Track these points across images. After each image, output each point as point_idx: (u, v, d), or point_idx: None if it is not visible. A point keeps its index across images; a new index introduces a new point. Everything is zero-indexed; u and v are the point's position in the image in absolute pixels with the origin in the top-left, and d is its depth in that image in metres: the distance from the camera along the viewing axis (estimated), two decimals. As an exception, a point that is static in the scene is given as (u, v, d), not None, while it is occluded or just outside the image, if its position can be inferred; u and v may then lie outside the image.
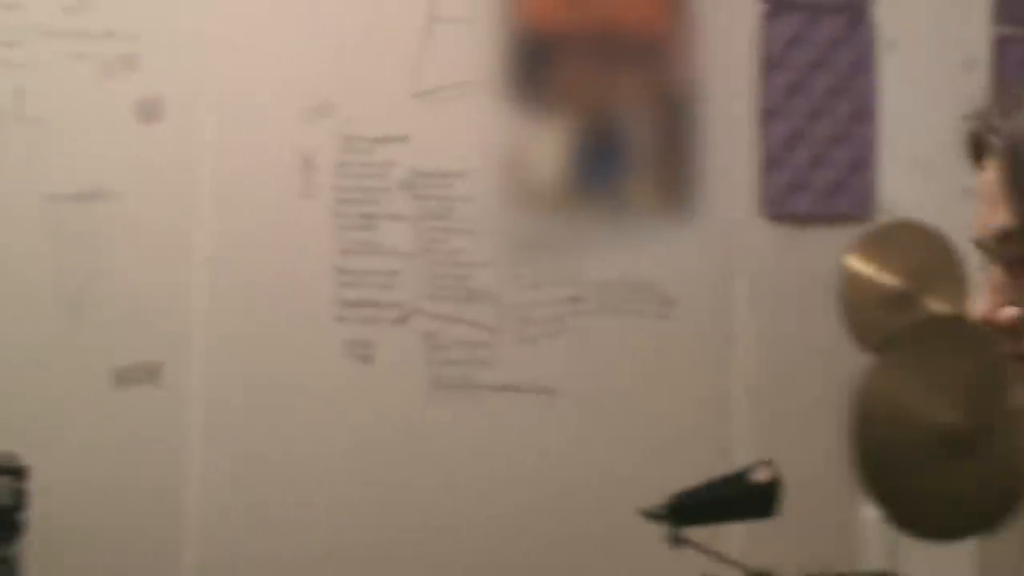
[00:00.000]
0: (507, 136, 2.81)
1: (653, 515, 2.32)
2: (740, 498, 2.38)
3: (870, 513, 3.04)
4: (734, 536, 2.86)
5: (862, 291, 3.09)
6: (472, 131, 2.79)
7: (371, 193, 2.76)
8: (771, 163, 3.00)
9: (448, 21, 2.77)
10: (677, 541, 2.31)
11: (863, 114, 3.04)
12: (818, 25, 3.01)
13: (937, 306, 3.09)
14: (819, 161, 3.02)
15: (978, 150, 1.00)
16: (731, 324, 2.99)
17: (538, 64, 2.82)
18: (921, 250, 3.13)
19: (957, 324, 3.29)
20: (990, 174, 0.97)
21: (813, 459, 2.97)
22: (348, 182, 2.76)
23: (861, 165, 3.05)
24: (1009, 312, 0.99)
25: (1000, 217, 0.97)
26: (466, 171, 2.80)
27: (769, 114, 2.99)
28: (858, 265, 3.09)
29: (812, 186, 3.03)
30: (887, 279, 3.09)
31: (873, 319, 3.08)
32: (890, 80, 3.04)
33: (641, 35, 2.89)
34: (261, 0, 2.73)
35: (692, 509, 2.34)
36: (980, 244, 1.00)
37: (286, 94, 2.71)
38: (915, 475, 3.29)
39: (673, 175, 2.94)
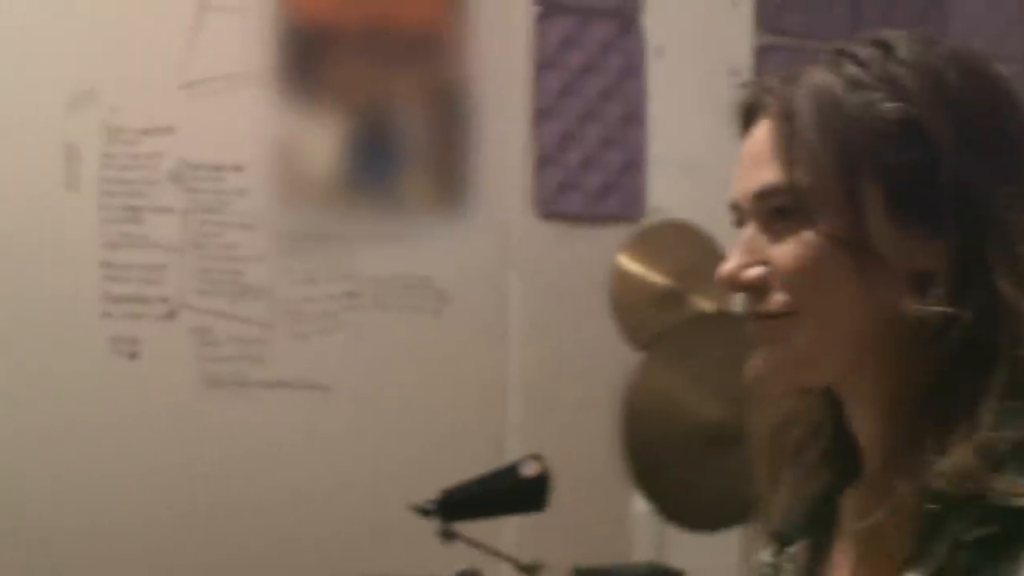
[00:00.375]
0: (279, 130, 2.78)
1: (423, 510, 2.33)
2: (509, 492, 2.41)
3: (640, 506, 3.12)
4: (509, 530, 2.90)
5: (632, 290, 3.17)
6: (243, 124, 2.75)
7: (138, 185, 2.69)
8: (544, 163, 3.06)
9: (218, 11, 2.72)
10: (448, 536, 2.32)
11: (633, 118, 3.12)
12: (590, 29, 3.08)
13: (704, 305, 3.20)
14: (590, 162, 3.09)
15: (749, 115, 1.02)
16: (505, 320, 3.02)
17: (311, 57, 2.80)
18: (688, 250, 3.23)
19: (722, 322, 3.43)
20: (759, 134, 0.99)
21: (586, 454, 3.04)
22: (114, 173, 2.68)
23: (631, 167, 3.13)
24: (755, 271, 0.98)
25: (765, 175, 0.98)
26: (238, 164, 2.76)
27: (542, 114, 3.05)
28: (628, 264, 3.18)
29: (584, 186, 3.09)
30: (656, 278, 3.18)
31: (642, 317, 3.17)
32: (658, 85, 3.13)
33: (416, 31, 2.90)
34: (22, -18, 2.64)
35: (461, 504, 2.35)
36: (735, 206, 1.01)
37: (49, 82, 2.62)
38: (682, 468, 3.40)
39: (448, 172, 2.96)
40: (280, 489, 2.79)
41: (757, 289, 0.98)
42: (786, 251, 0.97)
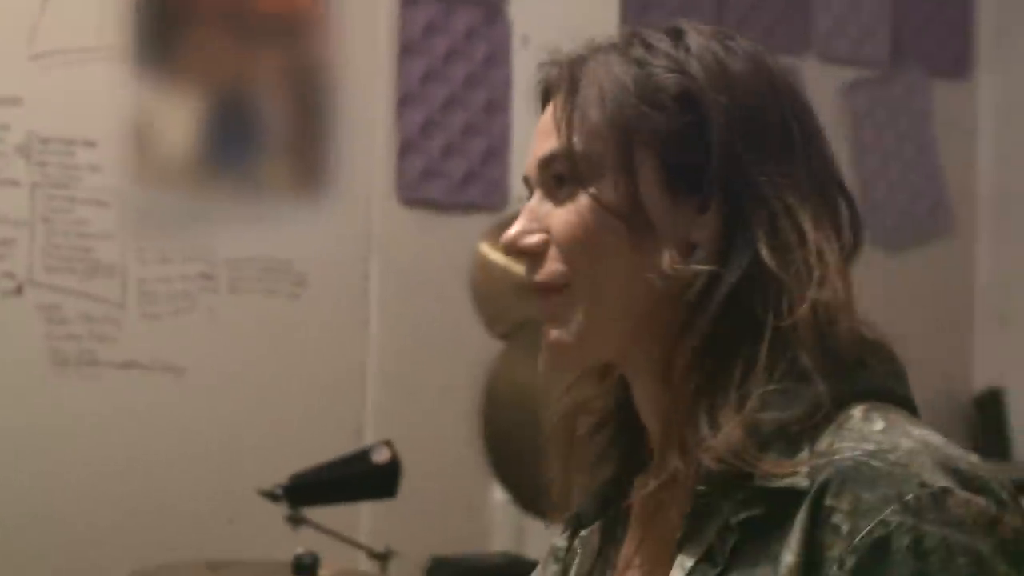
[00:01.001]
0: (135, 106, 2.73)
1: (271, 495, 2.31)
2: (360, 478, 2.40)
3: (498, 495, 3.13)
4: (365, 517, 2.88)
5: (493, 279, 3.18)
6: (97, 98, 2.70)
7: (-16, 157, 2.63)
8: (407, 149, 3.05)
9: (71, -20, 2.68)
10: (296, 521, 2.30)
11: (497, 106, 3.13)
12: (455, 15, 3.08)
13: (565, 295, 3.23)
14: (454, 149, 3.10)
15: (546, 94, 1.03)
16: (366, 306, 3.01)
17: (170, 32, 2.76)
18: (551, 241, 3.26)
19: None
20: (549, 108, 1.00)
21: (444, 442, 3.04)
22: (-42, 144, 2.62)
23: (494, 155, 3.14)
24: (534, 238, 0.99)
25: (549, 144, 0.99)
26: (90, 139, 2.70)
27: (406, 100, 3.04)
28: (490, 253, 3.19)
29: (447, 174, 3.09)
30: (517, 268, 3.20)
31: (503, 307, 3.18)
32: (523, 74, 3.14)
33: (280, 11, 2.88)
34: None
35: (310, 489, 2.34)
36: (526, 179, 1.01)
37: None
38: (540, 458, 3.40)
39: (309, 156, 2.94)
40: (130, 472, 2.75)
41: (535, 256, 0.99)
42: (561, 217, 0.98)
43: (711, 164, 0.95)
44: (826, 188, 0.98)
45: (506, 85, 3.13)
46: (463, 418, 3.05)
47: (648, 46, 0.99)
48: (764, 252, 0.94)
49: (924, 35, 3.86)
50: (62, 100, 2.68)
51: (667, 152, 0.96)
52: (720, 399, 0.93)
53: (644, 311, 0.97)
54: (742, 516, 0.91)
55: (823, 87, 3.66)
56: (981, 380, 3.92)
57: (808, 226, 0.95)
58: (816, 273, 0.94)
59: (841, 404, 0.93)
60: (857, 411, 0.93)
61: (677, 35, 0.99)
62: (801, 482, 0.90)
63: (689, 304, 0.95)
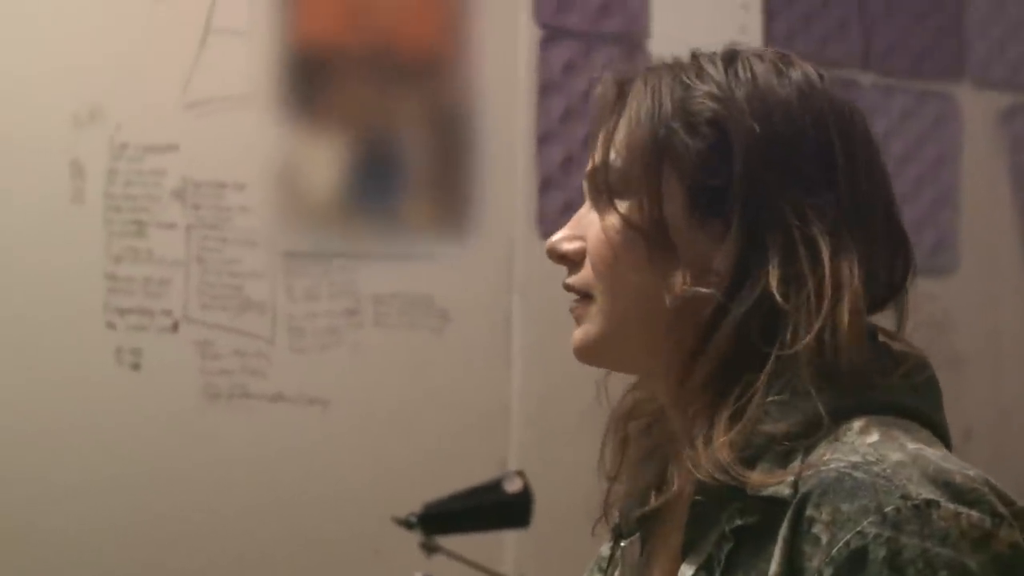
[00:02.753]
0: (281, 150, 2.84)
1: (405, 523, 2.36)
2: (492, 507, 2.43)
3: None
4: (507, 548, 2.92)
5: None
6: (246, 143, 2.81)
7: (142, 200, 2.77)
8: (547, 185, 3.09)
9: (223, 33, 2.79)
10: (430, 549, 2.35)
11: (638, 141, 3.15)
12: (594, 53, 3.12)
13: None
14: (594, 185, 3.12)
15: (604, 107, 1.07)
16: (508, 341, 3.06)
17: (314, 79, 2.87)
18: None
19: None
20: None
21: (586, 475, 3.05)
22: (119, 189, 2.75)
23: (636, 190, 3.15)
24: (571, 245, 1.04)
25: (596, 157, 1.05)
26: (240, 182, 2.82)
27: (545, 138, 3.09)
28: (633, 287, 3.21)
29: (587, 209, 3.12)
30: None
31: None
32: (664, 109, 3.15)
33: (419, 54, 2.96)
34: (32, 0, 2.72)
35: (442, 517, 2.38)
36: (585, 184, 1.07)
37: (56, 98, 2.70)
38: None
39: (450, 193, 3.01)
40: (278, 501, 2.84)
41: (572, 263, 1.04)
42: (595, 229, 1.02)
43: (734, 191, 0.97)
44: (870, 220, 0.98)
45: (647, 120, 3.15)
46: (606, 452, 3.07)
47: (699, 69, 1.01)
48: (773, 283, 0.95)
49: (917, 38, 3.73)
50: (214, 146, 2.80)
51: (694, 175, 0.98)
52: (717, 417, 0.95)
53: (660, 328, 0.99)
54: (736, 524, 0.92)
55: (979, 113, 3.58)
56: None
57: (826, 255, 0.95)
58: (826, 304, 0.94)
59: (843, 417, 0.93)
60: (857, 424, 0.93)
61: (730, 59, 1.01)
62: (784, 491, 0.91)
63: (699, 327, 0.97)
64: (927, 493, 0.87)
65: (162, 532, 2.76)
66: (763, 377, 0.93)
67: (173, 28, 2.77)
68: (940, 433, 0.96)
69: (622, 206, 1.00)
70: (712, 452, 0.93)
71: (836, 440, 0.92)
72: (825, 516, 0.88)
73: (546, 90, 3.08)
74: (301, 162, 2.86)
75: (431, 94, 2.96)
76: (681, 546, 0.96)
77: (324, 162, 2.87)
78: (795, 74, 1.00)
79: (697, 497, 0.94)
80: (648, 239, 0.98)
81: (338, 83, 2.87)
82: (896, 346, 0.97)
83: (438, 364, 2.98)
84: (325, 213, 2.89)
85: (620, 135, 1.01)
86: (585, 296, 1.04)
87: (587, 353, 1.07)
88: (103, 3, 2.75)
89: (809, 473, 0.90)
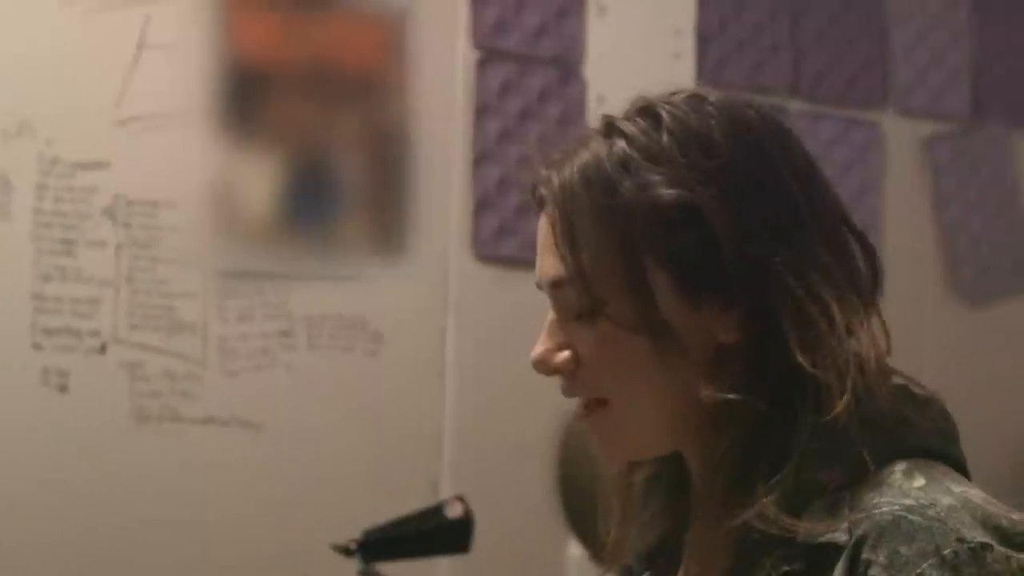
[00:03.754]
0: (216, 167, 2.80)
1: (344, 549, 2.33)
2: (433, 533, 2.40)
3: (575, 550, 3.12)
4: (440, 573, 2.90)
5: (569, 334, 3.20)
6: (179, 160, 2.77)
7: (72, 218, 2.71)
8: (482, 207, 3.09)
9: (157, 48, 2.75)
10: (369, 576, 2.32)
11: (572, 164, 3.15)
12: (530, 76, 3.12)
13: (641, 351, 3.23)
14: (527, 207, 3.11)
15: (540, 200, 1.03)
16: (441, 361, 3.04)
17: (249, 96, 2.83)
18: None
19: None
20: (543, 223, 1.01)
21: (521, 497, 3.04)
22: (48, 205, 2.69)
23: (570, 213, 3.16)
24: (562, 356, 1.00)
25: (554, 266, 0.99)
26: (173, 201, 2.77)
27: (481, 159, 3.08)
28: (566, 309, 3.21)
29: (522, 231, 3.12)
30: (593, 324, 3.22)
31: (579, 362, 3.19)
32: (598, 133, 3.16)
33: (357, 74, 2.94)
34: (-42, 14, 2.66)
35: (383, 543, 2.34)
36: (540, 287, 1.02)
37: (-16, 112, 2.64)
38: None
39: (386, 214, 2.98)
40: (209, 526, 2.79)
41: (569, 373, 1.00)
42: (586, 340, 0.98)
43: (724, 265, 0.95)
44: (837, 236, 0.98)
45: (581, 143, 3.16)
46: (539, 473, 3.06)
47: (628, 139, 0.97)
48: (797, 352, 0.94)
49: (1005, 86, 3.82)
50: (147, 163, 2.75)
51: (677, 263, 0.96)
52: (757, 479, 0.94)
53: (681, 417, 0.98)
54: (783, 570, 0.92)
55: (903, 141, 3.64)
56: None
57: (836, 309, 0.94)
58: (852, 358, 0.94)
59: (883, 462, 0.93)
60: (899, 468, 0.93)
61: (653, 118, 0.98)
62: (840, 537, 0.90)
63: (725, 412, 0.95)
64: (980, 536, 0.88)
65: (88, 556, 2.69)
66: (796, 440, 0.93)
67: (106, 43, 2.71)
68: (966, 475, 0.97)
69: (611, 311, 0.96)
70: (757, 510, 0.92)
71: (881, 484, 0.92)
72: (883, 559, 0.88)
73: (482, 112, 3.07)
74: (236, 181, 2.82)
75: (368, 114, 2.94)
76: None
77: (259, 181, 2.83)
78: (721, 112, 0.97)
79: (741, 545, 0.94)
80: (649, 337, 0.95)
81: (274, 100, 2.84)
82: (916, 389, 0.97)
83: (372, 386, 2.95)
84: (259, 233, 2.84)
85: (583, 242, 0.97)
86: (596, 401, 1.00)
87: (623, 458, 1.05)
88: (34, 16, 2.69)
89: (861, 516, 0.90)
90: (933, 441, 0.97)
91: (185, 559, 2.76)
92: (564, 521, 3.12)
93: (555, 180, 0.99)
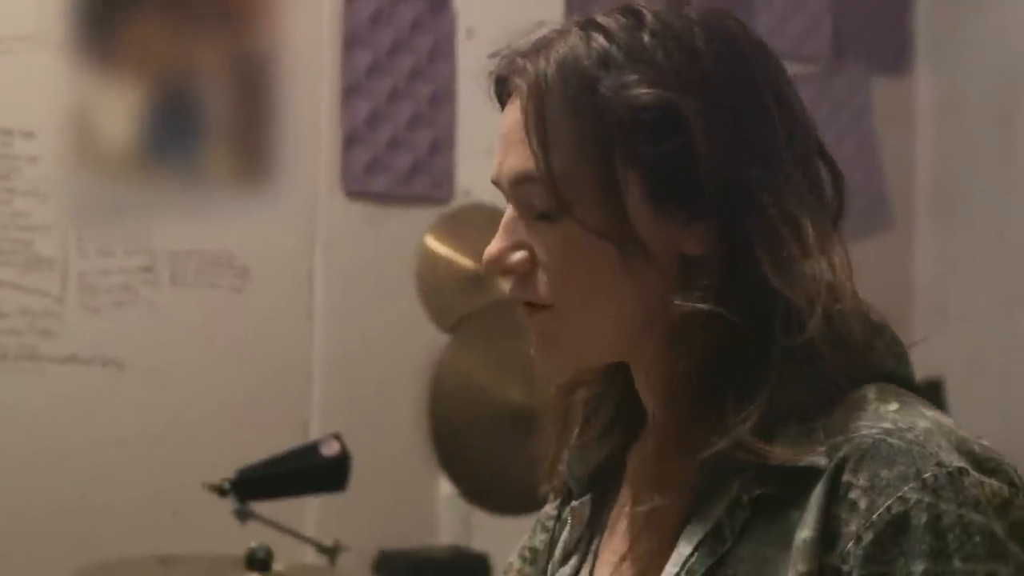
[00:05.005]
0: (73, 94, 2.68)
1: (219, 489, 2.28)
2: (309, 471, 2.37)
3: (446, 488, 3.11)
4: (311, 511, 2.85)
5: (439, 272, 3.17)
6: (34, 88, 2.65)
7: (-80, 147, 2.58)
8: (352, 141, 3.02)
9: (10, -32, 2.62)
10: (244, 515, 2.27)
11: (442, 98, 3.11)
12: (400, 7, 3.06)
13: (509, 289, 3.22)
14: (399, 142, 3.07)
15: (504, 92, 0.98)
16: (310, 299, 2.98)
17: (108, 20, 2.71)
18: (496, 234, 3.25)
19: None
20: (512, 113, 0.96)
21: (391, 435, 3.02)
22: None
23: (440, 148, 3.12)
24: (518, 257, 0.95)
25: (520, 160, 0.94)
26: (28, 130, 2.65)
27: (350, 92, 3.01)
28: (435, 246, 3.17)
29: (392, 166, 3.07)
30: (463, 261, 3.19)
31: (449, 300, 3.17)
32: (468, 67, 3.13)
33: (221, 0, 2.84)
34: None
35: (258, 483, 2.31)
36: (497, 184, 0.97)
37: None
38: (487, 451, 3.41)
39: (252, 146, 2.90)
40: (71, 467, 2.70)
41: (522, 274, 0.96)
42: (547, 242, 0.94)
43: (700, 177, 0.92)
44: (810, 160, 0.96)
45: (451, 77, 3.12)
46: (410, 411, 3.04)
47: (608, 35, 0.93)
48: (769, 271, 0.91)
49: (864, 31, 3.90)
50: (1, 90, 2.63)
51: (651, 168, 0.92)
52: (726, 400, 0.92)
53: (640, 326, 0.95)
54: (755, 493, 0.90)
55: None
56: (920, 372, 3.95)
57: (809, 229, 0.92)
58: (825, 280, 0.92)
59: (853, 386, 0.93)
60: (870, 392, 0.93)
61: (635, 16, 0.94)
62: (820, 460, 0.89)
63: (692, 322, 0.92)
64: (956, 461, 0.88)
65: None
66: (769, 362, 0.90)
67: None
68: (921, 396, 0.97)
69: (578, 213, 0.92)
70: (731, 438, 0.90)
71: (853, 408, 0.91)
72: (863, 481, 0.88)
73: (352, 42, 3.00)
74: (94, 109, 2.71)
75: (234, 40, 2.84)
76: (685, 514, 0.93)
77: (119, 109, 2.72)
78: (703, 21, 0.94)
79: (705, 467, 0.91)
80: (616, 243, 0.92)
81: (135, 24, 2.73)
82: (872, 315, 0.96)
83: (238, 323, 2.89)
84: (120, 164, 2.74)
85: (554, 138, 0.92)
86: (543, 308, 0.95)
87: (562, 368, 1.00)
88: None
89: (840, 440, 0.89)
90: (893, 365, 0.96)
91: (49, 502, 2.67)
92: (434, 459, 3.11)
93: (530, 70, 0.94)
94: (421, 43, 3.09)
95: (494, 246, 0.96)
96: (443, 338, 3.08)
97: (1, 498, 2.64)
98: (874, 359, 0.95)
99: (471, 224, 3.15)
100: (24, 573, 2.64)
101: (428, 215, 3.10)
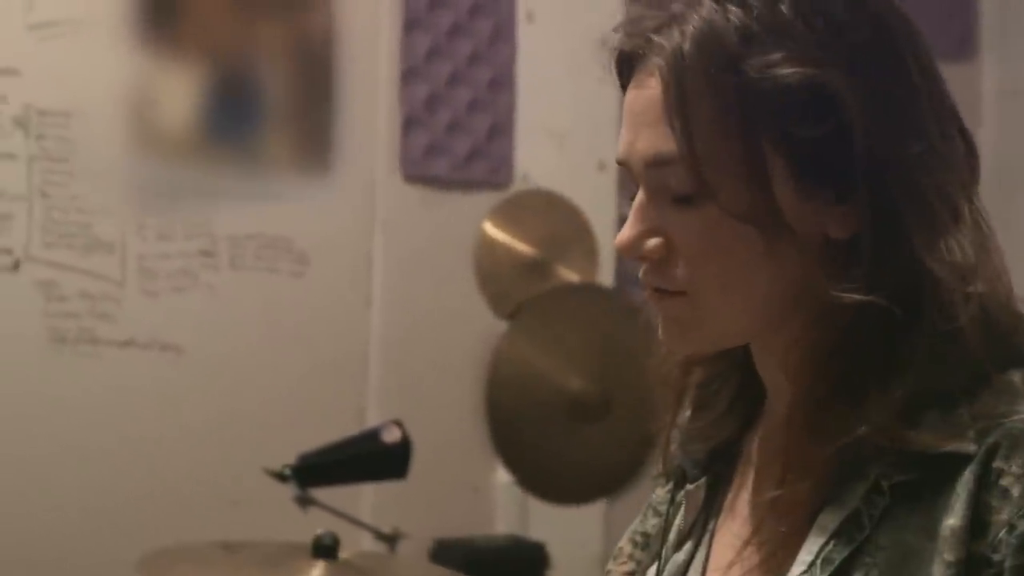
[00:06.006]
0: (133, 77, 2.67)
1: (279, 475, 2.26)
2: (369, 458, 2.35)
3: (502, 476, 3.09)
4: (367, 498, 2.84)
5: (497, 257, 3.14)
6: (94, 70, 2.64)
7: (-20, 128, 2.57)
8: (410, 125, 3.00)
9: (71, -51, 2.61)
10: (304, 502, 2.26)
11: (502, 82, 3.08)
12: (462, -10, 3.03)
13: (568, 275, 3.18)
14: (458, 126, 3.04)
15: (627, 65, 0.93)
16: (368, 284, 2.96)
17: (168, 2, 2.70)
18: (554, 220, 3.21)
19: (585, 293, 3.38)
20: (648, 91, 0.91)
21: (448, 422, 2.99)
22: (-47, 115, 2.56)
23: (499, 133, 3.09)
24: (654, 243, 0.91)
25: (658, 141, 0.90)
26: (88, 112, 2.64)
27: (410, 75, 2.99)
28: (493, 232, 3.14)
29: (451, 150, 3.04)
30: (521, 247, 3.15)
31: (507, 286, 3.14)
32: (528, 51, 3.09)
33: (282, -18, 2.82)
34: None
35: (319, 469, 2.29)
36: (625, 163, 0.93)
37: None
38: (544, 439, 3.37)
39: (312, 130, 2.88)
40: (130, 452, 2.70)
41: (657, 261, 0.92)
42: (686, 226, 0.91)
43: (849, 157, 0.87)
44: (951, 132, 0.91)
45: (511, 61, 3.08)
46: (467, 398, 3.01)
47: (746, 8, 0.88)
48: (924, 253, 0.88)
49: (928, 18, 3.82)
50: (60, 72, 2.62)
51: (799, 149, 0.88)
52: (867, 384, 0.88)
53: (779, 310, 0.91)
54: (896, 480, 0.87)
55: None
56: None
57: (966, 209, 0.89)
58: (980, 260, 0.89)
59: (998, 371, 0.89)
60: (1016, 377, 0.89)
61: None
62: (968, 446, 0.86)
63: (837, 307, 0.89)
64: None
65: (6, 483, 2.58)
66: (918, 344, 0.87)
67: (16, -58, 2.57)
68: None
69: (721, 197, 0.88)
70: (872, 420, 0.87)
71: (1004, 393, 0.88)
72: (1016, 468, 0.84)
73: (411, 26, 2.97)
74: (154, 92, 2.70)
75: (294, 24, 2.82)
76: (821, 500, 0.89)
77: (179, 92, 2.71)
78: None
79: (842, 452, 0.87)
80: (761, 228, 0.88)
81: (195, 7, 2.71)
82: (1015, 299, 0.92)
83: (296, 308, 2.87)
84: (179, 147, 2.73)
85: (694, 116, 0.88)
86: (677, 294, 0.92)
87: (697, 349, 0.97)
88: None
89: (989, 424, 0.86)
90: None
91: (106, 487, 2.67)
92: (491, 447, 3.09)
93: (667, 46, 0.89)
94: (481, 27, 3.05)
95: (628, 232, 0.92)
96: (500, 325, 3.05)
97: (62, 483, 2.63)
98: (1020, 343, 0.91)
99: (529, 209, 3.11)
100: (86, 561, 2.63)
101: (486, 200, 3.07)
